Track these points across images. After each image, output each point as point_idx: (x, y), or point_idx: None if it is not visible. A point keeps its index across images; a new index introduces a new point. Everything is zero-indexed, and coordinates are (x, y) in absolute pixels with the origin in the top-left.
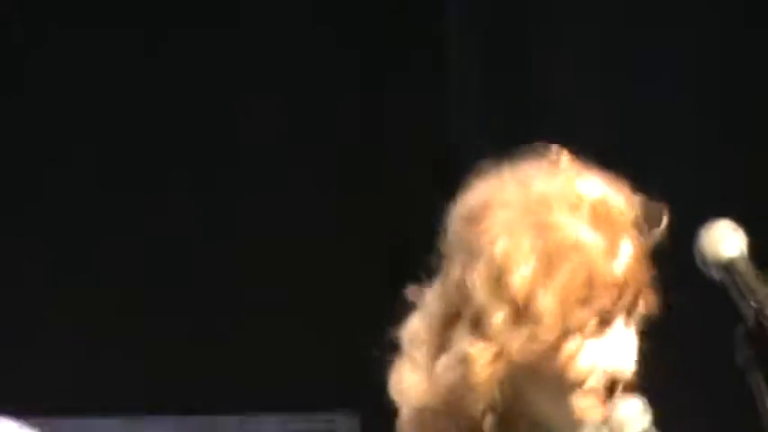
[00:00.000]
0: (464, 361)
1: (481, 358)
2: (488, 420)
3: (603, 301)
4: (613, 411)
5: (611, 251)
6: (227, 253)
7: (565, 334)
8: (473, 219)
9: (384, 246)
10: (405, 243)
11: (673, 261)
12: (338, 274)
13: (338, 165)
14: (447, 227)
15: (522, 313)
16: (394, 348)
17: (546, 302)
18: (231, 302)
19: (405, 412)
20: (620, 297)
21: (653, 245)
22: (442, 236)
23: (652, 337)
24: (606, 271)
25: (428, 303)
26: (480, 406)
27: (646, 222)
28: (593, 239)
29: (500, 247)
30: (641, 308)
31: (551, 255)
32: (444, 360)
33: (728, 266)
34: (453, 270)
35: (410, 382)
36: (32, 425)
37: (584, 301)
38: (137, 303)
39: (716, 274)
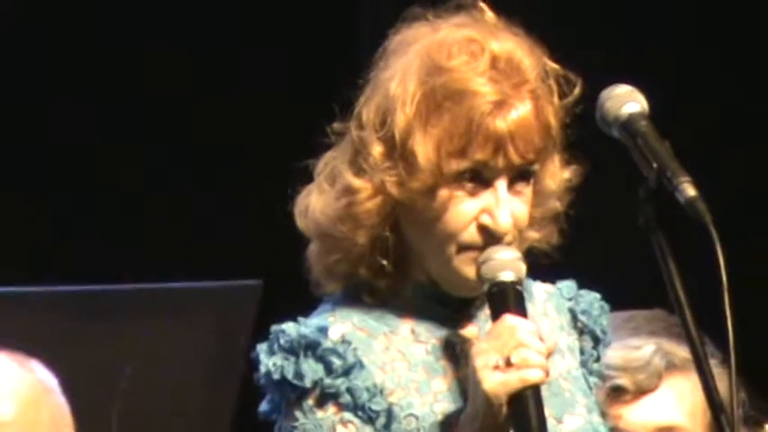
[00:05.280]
0: (346, 193)
1: (361, 191)
2: (379, 252)
3: (480, 154)
4: (488, 256)
5: (499, 106)
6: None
7: (439, 181)
8: (387, 57)
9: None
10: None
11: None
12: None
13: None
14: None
15: (397, 151)
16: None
17: (421, 144)
18: (135, 168)
19: (312, 241)
20: (497, 153)
21: (563, 113)
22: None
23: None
24: (486, 125)
25: (342, 136)
26: (363, 239)
27: (558, 89)
28: (481, 91)
29: (393, 85)
30: (554, 171)
31: (435, 99)
32: (333, 191)
33: (629, 125)
34: (360, 102)
35: (315, 208)
36: None
37: (461, 152)
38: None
39: (617, 134)
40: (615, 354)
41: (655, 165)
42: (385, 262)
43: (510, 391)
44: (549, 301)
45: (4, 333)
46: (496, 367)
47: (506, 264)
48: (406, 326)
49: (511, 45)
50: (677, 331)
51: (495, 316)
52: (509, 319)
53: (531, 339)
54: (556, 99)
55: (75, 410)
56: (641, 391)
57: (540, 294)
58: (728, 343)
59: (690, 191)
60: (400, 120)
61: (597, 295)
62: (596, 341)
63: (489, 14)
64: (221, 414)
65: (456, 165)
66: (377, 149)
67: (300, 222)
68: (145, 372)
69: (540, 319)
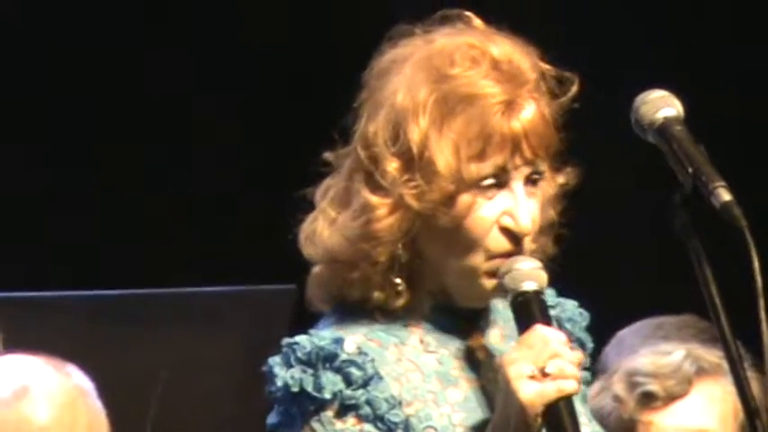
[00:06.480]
0: (364, 212)
1: (380, 208)
2: (394, 271)
3: (498, 156)
4: (509, 267)
5: (510, 106)
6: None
7: (459, 187)
8: (381, 74)
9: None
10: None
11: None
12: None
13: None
14: (362, 87)
15: (415, 162)
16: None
17: (439, 151)
18: (164, 177)
19: (317, 267)
20: (514, 153)
21: (563, 113)
22: (357, 96)
23: (585, 208)
24: (501, 125)
25: (341, 161)
26: (383, 257)
27: (555, 89)
28: (491, 92)
29: (400, 97)
30: (543, 174)
31: (447, 105)
32: (347, 213)
33: (664, 129)
34: (361, 124)
35: (324, 235)
36: None
37: (479, 155)
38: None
39: (652, 139)
40: (645, 360)
41: (690, 169)
42: (399, 280)
43: (546, 402)
44: None
45: (41, 338)
46: (532, 377)
47: (528, 274)
48: (414, 336)
49: (509, 48)
50: (707, 337)
51: (522, 326)
52: (541, 329)
53: (564, 350)
54: (548, 99)
55: (110, 415)
56: (672, 397)
57: None
58: (764, 348)
59: (725, 195)
60: (414, 131)
61: (575, 302)
62: (583, 348)
63: (477, 21)
64: (255, 419)
65: (476, 169)
66: (392, 165)
67: (309, 249)
68: (180, 376)
69: None
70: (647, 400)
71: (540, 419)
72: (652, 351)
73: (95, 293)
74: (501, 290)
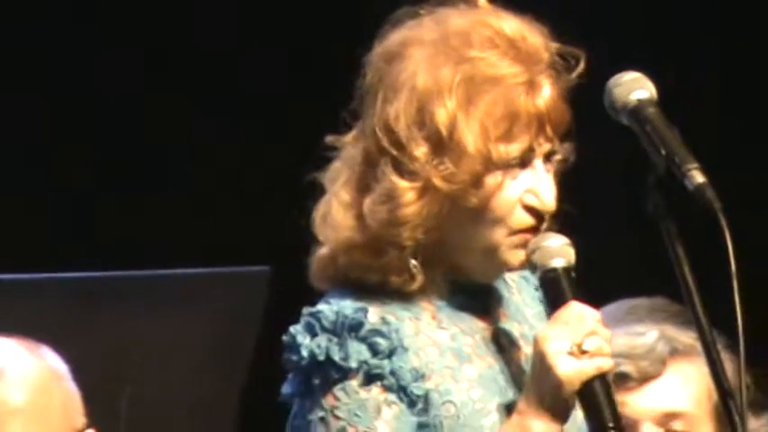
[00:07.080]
0: (391, 197)
1: (408, 193)
2: (414, 255)
3: (525, 135)
4: (537, 244)
5: (531, 86)
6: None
7: (487, 167)
8: (392, 57)
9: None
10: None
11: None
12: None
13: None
14: (365, 71)
15: (444, 145)
16: (308, 199)
17: (468, 132)
18: (138, 155)
19: (328, 248)
20: (539, 132)
21: (570, 89)
22: (360, 81)
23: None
24: (527, 105)
25: (349, 146)
26: (410, 242)
27: (562, 66)
28: (511, 72)
29: (421, 80)
30: (558, 152)
31: (471, 87)
32: (371, 198)
33: (637, 111)
34: (374, 108)
35: (338, 218)
36: None
37: (506, 135)
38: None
39: (626, 121)
40: (619, 341)
41: (663, 151)
42: (414, 262)
43: (584, 379)
44: (524, 290)
45: (15, 320)
46: (570, 353)
47: (557, 250)
48: (426, 312)
49: (520, 26)
50: (680, 320)
51: (552, 302)
52: (576, 305)
53: (599, 327)
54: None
55: (84, 397)
56: (645, 378)
57: (512, 284)
58: (738, 330)
59: (698, 178)
60: (442, 113)
61: None
62: None
63: (482, 1)
64: (229, 400)
65: (505, 149)
66: (421, 149)
67: (324, 232)
68: (153, 358)
69: (523, 308)
70: (622, 380)
71: (575, 396)
72: (625, 332)
73: (69, 276)
74: (529, 266)
